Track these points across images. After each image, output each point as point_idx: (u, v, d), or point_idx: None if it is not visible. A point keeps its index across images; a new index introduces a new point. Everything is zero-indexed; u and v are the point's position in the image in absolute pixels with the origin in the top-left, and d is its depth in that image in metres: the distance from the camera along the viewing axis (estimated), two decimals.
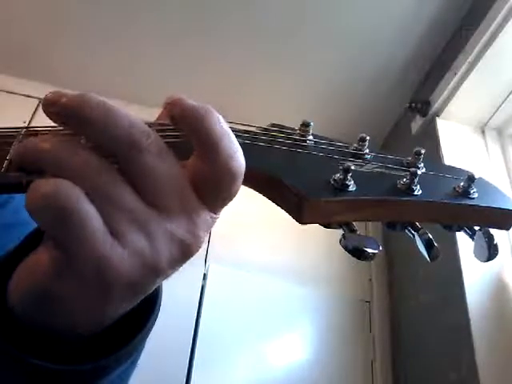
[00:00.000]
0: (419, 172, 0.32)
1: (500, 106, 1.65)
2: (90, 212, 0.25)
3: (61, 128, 0.27)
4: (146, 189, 0.26)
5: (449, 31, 1.76)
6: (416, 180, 0.32)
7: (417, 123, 1.81)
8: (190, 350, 1.58)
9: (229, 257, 1.84)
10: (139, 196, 0.26)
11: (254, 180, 0.31)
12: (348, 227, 0.30)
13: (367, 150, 0.35)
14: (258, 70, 1.99)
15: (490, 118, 1.69)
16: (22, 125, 0.31)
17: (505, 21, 1.44)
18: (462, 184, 0.34)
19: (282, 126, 0.35)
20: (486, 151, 1.65)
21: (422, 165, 0.35)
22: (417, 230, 0.32)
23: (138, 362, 0.37)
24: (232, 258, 1.84)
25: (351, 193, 0.30)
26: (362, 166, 0.33)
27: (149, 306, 0.32)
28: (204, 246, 1.81)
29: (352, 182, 0.31)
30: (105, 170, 0.26)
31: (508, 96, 1.61)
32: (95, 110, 0.25)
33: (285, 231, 1.83)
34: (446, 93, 1.65)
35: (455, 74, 1.60)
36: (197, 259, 1.75)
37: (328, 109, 2.05)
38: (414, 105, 1.76)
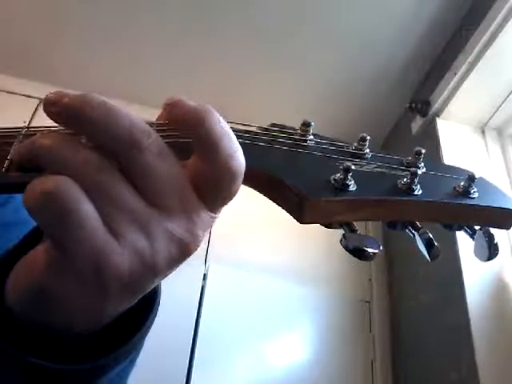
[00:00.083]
0: (419, 172, 0.32)
1: (500, 106, 1.65)
2: (89, 211, 0.25)
3: (62, 128, 0.27)
4: (146, 188, 0.26)
5: (449, 31, 1.76)
6: (416, 180, 0.32)
7: (417, 123, 1.81)
8: (190, 350, 1.59)
9: (229, 257, 1.84)
10: (140, 196, 0.26)
11: (255, 180, 0.31)
12: (348, 227, 0.30)
13: (367, 150, 0.35)
14: (258, 70, 1.99)
15: (490, 118, 1.69)
16: (23, 125, 0.31)
17: (505, 21, 1.44)
18: (462, 184, 0.34)
19: (283, 126, 0.35)
20: (486, 151, 1.65)
21: (423, 164, 0.35)
22: (417, 229, 0.32)
23: (138, 361, 0.37)
24: (232, 258, 1.84)
25: (351, 192, 0.30)
26: (362, 165, 0.33)
27: (148, 305, 0.32)
28: (204, 246, 1.81)
29: (352, 181, 0.31)
30: (105, 169, 0.26)
31: (508, 96, 1.61)
32: (96, 109, 0.25)
33: (285, 231, 1.83)
34: (446, 93, 1.66)
35: (455, 74, 1.60)
36: (197, 259, 1.76)
37: (328, 109, 2.05)
38: (414, 105, 1.76)
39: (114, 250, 0.25)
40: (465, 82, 1.59)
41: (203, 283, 1.74)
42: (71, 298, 0.26)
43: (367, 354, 1.73)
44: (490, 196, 0.34)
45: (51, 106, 0.26)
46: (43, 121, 0.29)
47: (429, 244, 0.31)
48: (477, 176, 0.34)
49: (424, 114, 1.74)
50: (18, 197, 0.25)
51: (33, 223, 0.27)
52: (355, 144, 0.35)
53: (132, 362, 0.37)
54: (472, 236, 0.34)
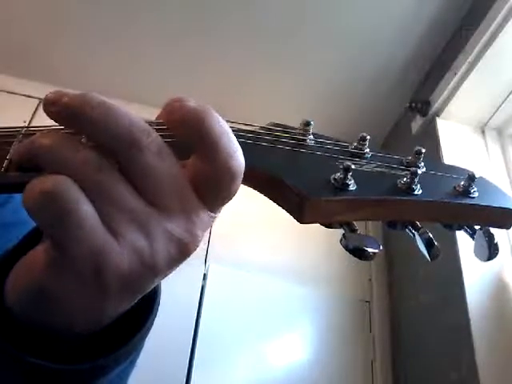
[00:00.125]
0: (419, 171, 0.32)
1: (500, 106, 1.65)
2: (88, 211, 0.25)
3: (61, 128, 0.27)
4: (146, 188, 0.26)
5: (449, 31, 1.76)
6: (416, 179, 0.32)
7: (417, 123, 1.81)
8: (190, 350, 1.58)
9: (229, 257, 1.84)
10: (139, 195, 0.26)
11: (255, 179, 0.31)
12: (348, 227, 0.30)
13: (367, 150, 0.35)
14: (258, 70, 1.99)
15: (490, 118, 1.69)
16: (23, 125, 0.31)
17: (505, 21, 1.44)
18: (462, 183, 0.34)
19: (282, 126, 0.35)
20: (486, 151, 1.65)
21: (423, 164, 0.35)
22: (417, 229, 0.32)
23: (138, 362, 0.37)
24: (232, 258, 1.84)
25: (351, 192, 0.30)
26: (362, 165, 0.33)
27: (148, 306, 0.32)
28: (204, 246, 1.81)
29: (352, 181, 0.31)
30: (105, 169, 0.26)
31: (508, 96, 1.61)
32: (96, 109, 0.25)
33: (285, 231, 1.83)
34: (446, 93, 1.66)
35: (455, 74, 1.60)
36: (197, 259, 1.76)
37: (328, 109, 2.05)
38: (414, 105, 1.76)
39: (113, 250, 0.25)
40: (465, 82, 1.59)
41: (203, 283, 1.74)
42: (71, 298, 0.26)
43: (367, 354, 1.73)
44: (490, 196, 0.34)
45: (51, 106, 0.26)
46: (43, 121, 0.29)
47: (429, 244, 0.31)
48: (477, 175, 0.34)
49: (424, 113, 1.74)
50: (18, 197, 0.25)
51: (32, 223, 0.27)
52: (355, 143, 0.35)
53: (132, 363, 0.37)
54: (472, 236, 0.34)
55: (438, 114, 1.71)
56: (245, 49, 1.92)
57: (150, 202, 0.26)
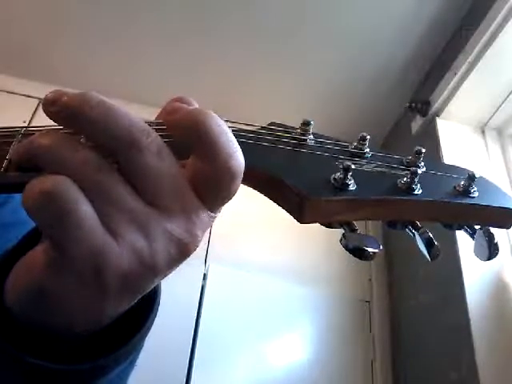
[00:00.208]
0: (419, 171, 0.32)
1: (500, 106, 1.65)
2: (87, 212, 0.25)
3: (61, 127, 0.27)
4: (145, 188, 0.26)
5: (449, 31, 1.76)
6: (416, 179, 0.32)
7: (417, 123, 1.81)
8: (190, 350, 1.58)
9: (229, 257, 1.84)
10: (139, 196, 0.26)
11: (255, 179, 0.31)
12: (348, 226, 0.30)
13: (367, 149, 0.35)
14: (258, 70, 1.99)
15: (490, 118, 1.69)
16: (22, 125, 0.31)
17: (505, 21, 1.44)
18: (462, 183, 0.34)
19: (282, 125, 0.35)
20: (486, 151, 1.65)
21: (423, 164, 0.35)
22: (417, 228, 0.32)
23: (138, 362, 0.37)
24: (232, 258, 1.84)
25: (351, 192, 0.30)
26: (362, 165, 0.33)
27: (148, 305, 0.32)
28: (204, 246, 1.81)
29: (352, 181, 0.31)
30: (104, 169, 0.26)
31: (508, 96, 1.61)
32: (95, 109, 0.25)
33: (285, 231, 1.83)
34: (446, 93, 1.66)
35: (455, 74, 1.60)
36: (197, 259, 1.76)
37: (328, 109, 2.05)
38: (414, 105, 1.76)
39: (112, 250, 0.25)
40: (465, 82, 1.59)
41: (203, 283, 1.74)
42: (71, 298, 0.26)
43: (367, 353, 1.73)
44: (490, 195, 0.34)
45: (50, 106, 0.26)
46: (43, 121, 0.29)
47: (429, 243, 0.31)
48: (477, 175, 0.34)
49: (424, 113, 1.74)
50: (17, 197, 0.25)
51: (31, 224, 0.27)
52: (355, 143, 0.35)
53: (132, 363, 0.37)
54: (472, 235, 0.34)
55: (438, 113, 1.71)
56: (245, 49, 1.92)
57: (149, 202, 0.26)
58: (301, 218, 0.30)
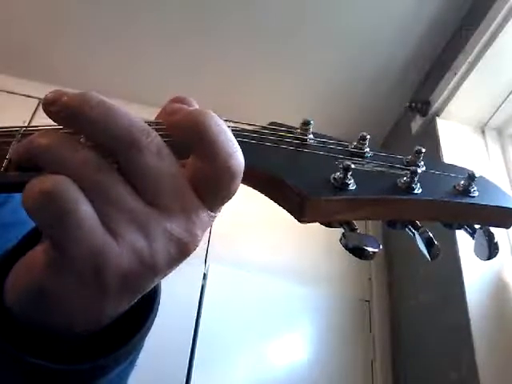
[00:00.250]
0: (419, 170, 0.32)
1: (500, 106, 1.65)
2: (87, 212, 0.25)
3: (60, 127, 0.27)
4: (145, 188, 0.26)
5: (449, 31, 1.76)
6: (416, 178, 0.32)
7: (417, 123, 1.81)
8: (190, 350, 1.58)
9: (229, 257, 1.84)
10: (138, 196, 0.26)
11: (255, 179, 0.31)
12: (348, 226, 0.30)
13: (367, 149, 0.35)
14: (258, 70, 1.99)
15: (490, 118, 1.69)
16: (22, 125, 0.31)
17: (505, 21, 1.44)
18: (462, 182, 0.34)
19: (282, 125, 0.35)
20: (486, 151, 1.65)
21: (422, 163, 0.35)
22: (417, 228, 0.32)
23: (138, 362, 0.37)
24: (232, 258, 1.84)
25: (351, 191, 0.30)
26: (362, 164, 0.33)
27: (148, 305, 0.32)
28: (204, 246, 1.81)
29: (352, 180, 0.31)
30: (104, 169, 0.26)
31: (508, 96, 1.61)
32: (95, 109, 0.25)
33: (285, 231, 1.83)
34: (446, 93, 1.66)
35: (455, 74, 1.60)
36: (197, 259, 1.76)
37: (328, 109, 2.05)
38: (413, 105, 1.76)
39: (112, 250, 0.25)
40: (465, 82, 1.59)
41: (203, 283, 1.74)
42: (71, 298, 0.26)
43: (367, 353, 1.73)
44: (490, 195, 0.34)
45: (50, 105, 0.26)
46: (43, 121, 0.29)
47: (429, 243, 0.31)
48: (477, 175, 0.34)
49: (424, 113, 1.74)
50: (17, 197, 0.25)
51: (31, 224, 0.27)
52: (355, 143, 0.35)
53: (132, 363, 0.36)
54: (472, 235, 0.34)
55: (437, 113, 1.71)
56: (245, 49, 1.92)
57: (149, 202, 0.26)
58: (301, 218, 0.30)
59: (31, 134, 0.27)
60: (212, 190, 0.28)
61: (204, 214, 0.28)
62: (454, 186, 0.34)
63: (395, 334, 1.76)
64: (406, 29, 1.77)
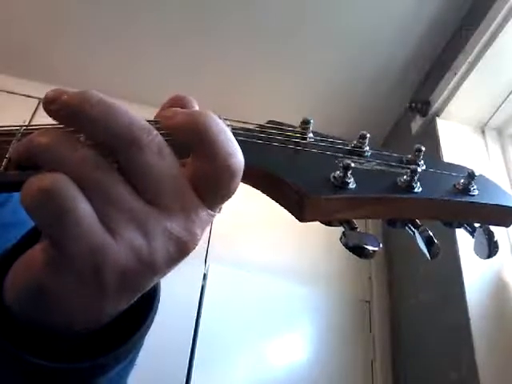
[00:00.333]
0: (419, 169, 0.32)
1: (500, 106, 1.65)
2: (86, 210, 0.25)
3: (61, 126, 0.27)
4: (145, 187, 0.26)
5: (449, 31, 1.76)
6: (416, 177, 0.32)
7: (417, 123, 1.81)
8: (190, 350, 1.58)
9: (229, 257, 1.84)
10: (138, 195, 0.26)
11: (255, 178, 0.31)
12: (348, 225, 0.30)
13: (367, 148, 0.35)
14: (258, 70, 1.99)
15: (490, 118, 1.69)
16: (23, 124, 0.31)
17: (505, 21, 1.44)
18: (462, 181, 0.34)
19: (282, 124, 0.35)
20: (486, 151, 1.65)
21: (422, 162, 0.35)
22: (417, 227, 0.32)
23: (138, 361, 0.37)
24: (232, 258, 1.84)
25: (351, 190, 0.30)
26: (362, 163, 0.33)
27: (147, 304, 0.32)
28: (204, 246, 1.81)
29: (352, 179, 0.31)
30: (103, 168, 0.26)
31: (508, 96, 1.61)
32: (96, 107, 0.25)
33: (285, 231, 1.83)
34: (446, 93, 1.66)
35: (455, 74, 1.60)
36: (197, 259, 1.76)
37: (328, 109, 2.05)
38: (414, 105, 1.76)
39: (111, 248, 0.25)
40: (465, 82, 1.59)
41: (203, 283, 1.74)
42: (70, 296, 0.26)
43: (367, 353, 1.73)
44: (490, 193, 0.34)
45: (50, 104, 0.26)
46: (43, 120, 0.29)
47: (429, 242, 0.31)
48: (477, 173, 0.34)
49: (424, 113, 1.74)
50: (17, 197, 0.25)
51: (31, 224, 0.27)
52: (355, 142, 0.35)
53: (132, 362, 0.36)
54: (472, 233, 0.34)
55: (438, 114, 1.71)
56: (245, 49, 1.92)
57: (149, 200, 0.26)
58: (301, 217, 0.30)
59: (32, 133, 0.27)
60: (212, 189, 0.28)
61: (203, 213, 0.28)
62: (454, 185, 0.34)
63: (395, 333, 1.76)
64: (405, 29, 1.77)
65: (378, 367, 1.70)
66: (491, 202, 0.33)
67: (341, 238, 0.30)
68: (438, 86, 1.70)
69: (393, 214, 0.32)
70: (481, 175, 0.35)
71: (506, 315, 1.29)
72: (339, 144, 0.35)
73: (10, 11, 1.91)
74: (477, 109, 1.67)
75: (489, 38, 1.49)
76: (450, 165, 0.36)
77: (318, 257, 1.90)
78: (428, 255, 0.31)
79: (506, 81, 1.58)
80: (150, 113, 0.30)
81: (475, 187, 0.33)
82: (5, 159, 0.28)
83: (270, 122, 0.35)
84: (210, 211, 0.28)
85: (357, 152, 0.34)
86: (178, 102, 0.31)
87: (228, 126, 0.30)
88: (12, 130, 0.30)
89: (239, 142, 0.28)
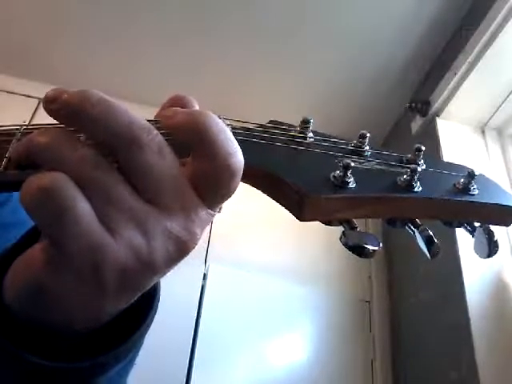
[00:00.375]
0: (419, 169, 0.32)
1: (500, 106, 1.65)
2: (85, 208, 0.25)
3: (61, 126, 0.27)
4: (145, 186, 0.26)
5: (449, 31, 1.76)
6: (416, 177, 0.32)
7: (417, 123, 1.81)
8: (190, 350, 1.58)
9: (229, 257, 1.84)
10: (138, 194, 0.26)
11: (255, 177, 0.31)
12: (348, 224, 0.30)
13: (367, 147, 0.35)
14: (258, 70, 1.99)
15: (490, 118, 1.69)
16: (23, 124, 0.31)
17: (505, 21, 1.44)
18: (462, 180, 0.34)
19: (282, 123, 0.35)
20: (486, 151, 1.65)
21: (422, 161, 0.35)
22: (417, 226, 0.32)
23: (138, 361, 0.37)
24: (232, 258, 1.84)
25: (351, 190, 0.30)
26: (361, 162, 0.33)
27: (147, 303, 0.32)
28: (204, 246, 1.81)
29: (352, 178, 0.31)
30: (102, 167, 0.26)
31: (508, 96, 1.61)
32: (96, 106, 0.25)
33: (284, 231, 1.83)
34: (446, 93, 1.66)
35: (455, 74, 1.60)
36: (197, 259, 1.76)
37: (328, 109, 2.05)
38: (413, 105, 1.76)
39: (110, 247, 0.25)
40: (465, 82, 1.59)
41: (203, 283, 1.74)
42: (69, 295, 0.26)
43: (367, 353, 1.73)
44: (490, 193, 0.34)
45: (51, 104, 0.26)
46: (43, 120, 0.29)
47: (429, 241, 0.31)
48: (477, 173, 0.34)
49: (424, 113, 1.74)
50: (17, 197, 0.25)
51: (31, 224, 0.27)
52: (355, 141, 0.35)
53: (132, 361, 0.36)
54: (472, 233, 0.34)
55: (437, 114, 1.71)
56: (245, 49, 1.92)
57: (148, 200, 0.26)
58: (301, 216, 0.30)
59: (32, 132, 0.27)
60: (212, 189, 0.28)
61: (203, 213, 0.28)
62: (454, 184, 0.34)
63: (395, 333, 1.76)
64: (405, 29, 1.77)
65: (378, 367, 1.70)
66: (491, 202, 0.33)
67: (341, 238, 0.30)
68: (437, 86, 1.70)
69: (393, 213, 0.32)
70: (481, 174, 0.35)
71: (506, 315, 1.29)
72: (339, 144, 0.35)
73: (10, 11, 1.91)
74: (477, 109, 1.67)
75: (489, 38, 1.49)
76: (449, 164, 0.36)
77: (318, 256, 1.90)
78: (428, 255, 0.31)
79: (506, 81, 1.58)
80: (150, 113, 0.30)
81: (475, 186, 0.33)
82: (5, 159, 0.28)
83: (270, 121, 0.35)
84: (209, 211, 0.28)
85: (357, 151, 0.34)
86: (178, 101, 0.31)
87: (228, 125, 0.30)
88: (12, 129, 0.30)
89: (239, 141, 0.28)
